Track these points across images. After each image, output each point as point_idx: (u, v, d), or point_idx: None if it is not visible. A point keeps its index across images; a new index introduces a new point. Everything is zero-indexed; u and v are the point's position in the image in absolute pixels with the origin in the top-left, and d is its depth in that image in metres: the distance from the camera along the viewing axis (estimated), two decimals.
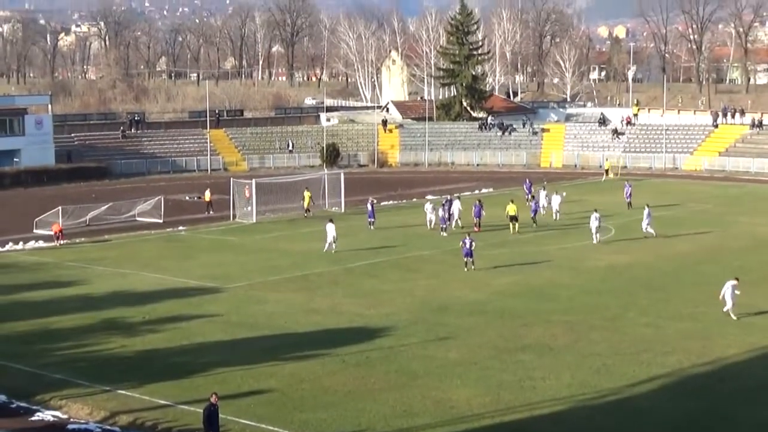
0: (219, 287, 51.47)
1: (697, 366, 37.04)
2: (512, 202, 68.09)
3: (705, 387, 34.89)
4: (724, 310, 43.51)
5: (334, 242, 60.76)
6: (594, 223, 63.45)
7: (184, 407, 32.60)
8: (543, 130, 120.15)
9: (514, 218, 66.46)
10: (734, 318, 43.11)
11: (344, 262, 57.84)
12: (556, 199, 73.10)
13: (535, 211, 70.34)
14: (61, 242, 65.41)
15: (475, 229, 65.14)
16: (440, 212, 67.65)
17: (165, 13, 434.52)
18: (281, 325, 43.75)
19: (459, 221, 69.29)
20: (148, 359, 38.50)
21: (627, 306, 46.53)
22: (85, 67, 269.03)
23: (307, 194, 74.84)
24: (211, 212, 77.56)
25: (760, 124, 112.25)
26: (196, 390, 33.97)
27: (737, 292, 43.57)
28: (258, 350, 39.44)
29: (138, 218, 74.86)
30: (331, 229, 60.80)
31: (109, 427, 31.41)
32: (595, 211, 64.90)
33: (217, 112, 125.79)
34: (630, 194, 78.57)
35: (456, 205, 70.15)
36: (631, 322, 43.46)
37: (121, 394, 34.18)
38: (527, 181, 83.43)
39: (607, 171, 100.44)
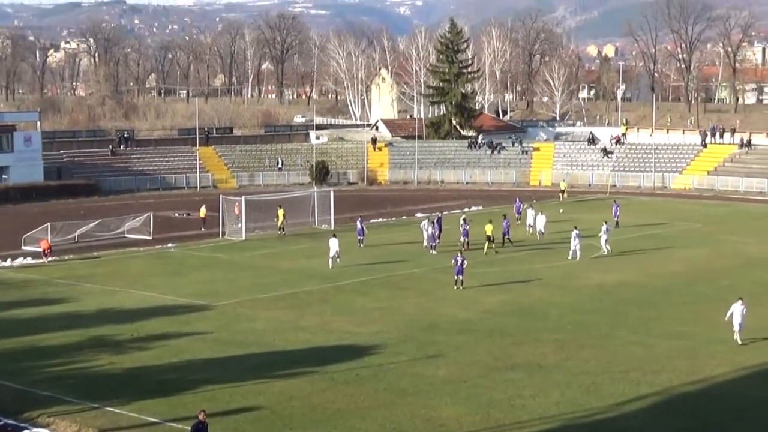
0: (208, 305, 51.33)
1: (687, 385, 37.03)
2: (490, 222, 67.94)
3: (694, 406, 34.86)
4: (735, 338, 42.77)
5: (338, 257, 60.95)
6: (574, 241, 63.78)
7: (172, 425, 32.47)
8: (532, 148, 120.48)
9: (489, 238, 66.15)
10: (739, 343, 42.52)
11: (334, 279, 57.79)
12: (541, 220, 72.75)
13: (505, 233, 69.55)
14: (50, 259, 65.25)
15: (464, 248, 64.86)
16: (429, 230, 67.59)
17: (155, 30, 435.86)
18: (270, 342, 43.64)
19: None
20: (137, 376, 38.33)
21: (617, 325, 46.51)
22: (74, 83, 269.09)
23: (280, 212, 74.64)
24: (203, 229, 77.49)
25: (749, 144, 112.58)
26: (185, 407, 33.82)
27: (745, 313, 43.01)
28: (247, 368, 39.30)
29: (127, 235, 74.74)
30: (334, 244, 61.09)
31: None
32: (575, 228, 65.25)
33: (206, 129, 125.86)
34: (618, 213, 78.60)
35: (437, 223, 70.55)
36: (621, 341, 43.44)
37: (110, 412, 34.02)
38: (517, 200, 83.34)
39: (562, 192, 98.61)
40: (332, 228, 75.90)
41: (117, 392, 36.02)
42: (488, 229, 66.52)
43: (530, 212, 75.20)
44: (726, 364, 39.87)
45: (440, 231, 69.38)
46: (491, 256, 65.02)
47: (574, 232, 64.34)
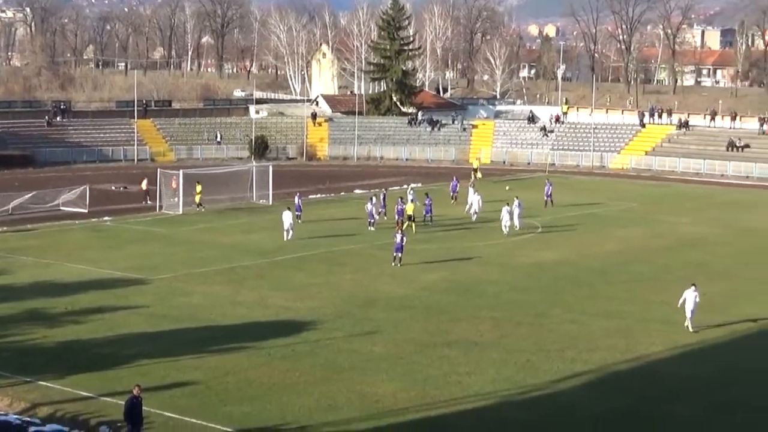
0: (144, 278, 50.97)
1: (621, 363, 37.37)
2: (411, 201, 67.71)
3: (629, 384, 35.22)
4: (686, 324, 42.21)
5: (291, 229, 61.05)
6: (506, 217, 64.04)
7: (106, 399, 32.23)
8: (472, 126, 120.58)
9: (410, 217, 65.84)
10: (691, 330, 41.96)
11: (271, 255, 57.60)
12: (475, 198, 71.88)
13: (428, 211, 69.36)
14: None
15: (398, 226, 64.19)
16: (368, 206, 67.32)
17: (93, 0, 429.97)
18: (207, 317, 43.46)
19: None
20: (71, 350, 38.02)
21: (553, 303, 46.81)
22: (9, 53, 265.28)
23: (198, 187, 73.97)
24: (149, 201, 76.66)
25: (687, 125, 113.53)
26: (119, 382, 33.60)
27: (698, 300, 42.22)
28: (182, 342, 39.13)
29: (62, 208, 73.92)
30: (287, 217, 61.10)
31: (28, 419, 30.83)
32: (516, 198, 65.90)
33: (144, 102, 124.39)
34: (550, 192, 78.50)
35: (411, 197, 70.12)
36: (557, 319, 43.74)
37: (42, 386, 33.72)
38: (454, 179, 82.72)
39: (475, 171, 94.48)
40: (270, 203, 75.58)
41: (50, 366, 35.73)
42: (409, 208, 66.24)
43: (471, 191, 73.57)
44: (660, 342, 40.28)
45: (383, 209, 69.19)
46: (415, 235, 64.56)
47: (506, 209, 64.51)
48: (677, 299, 42.99)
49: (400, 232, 56.13)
